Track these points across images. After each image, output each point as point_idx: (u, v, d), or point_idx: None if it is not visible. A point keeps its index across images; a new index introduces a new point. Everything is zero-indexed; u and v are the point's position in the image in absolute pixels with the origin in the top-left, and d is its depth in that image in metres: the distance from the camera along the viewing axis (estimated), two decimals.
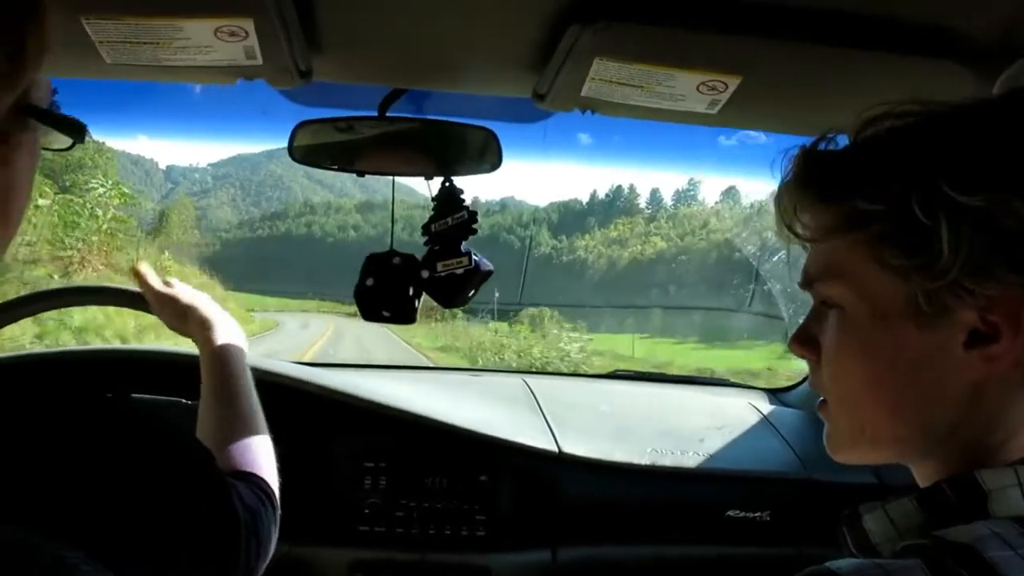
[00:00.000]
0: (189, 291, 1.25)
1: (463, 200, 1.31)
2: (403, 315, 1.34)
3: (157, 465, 0.69)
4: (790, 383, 2.18)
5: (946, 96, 0.64)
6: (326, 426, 1.63)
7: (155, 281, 1.26)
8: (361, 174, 1.36)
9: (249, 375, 1.12)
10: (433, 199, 1.32)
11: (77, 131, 0.65)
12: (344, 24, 1.03)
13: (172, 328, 1.24)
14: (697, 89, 1.04)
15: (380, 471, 1.59)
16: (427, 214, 1.33)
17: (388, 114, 1.30)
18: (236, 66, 1.05)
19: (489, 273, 1.32)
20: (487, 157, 1.32)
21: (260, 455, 0.98)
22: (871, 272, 0.62)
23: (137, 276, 1.28)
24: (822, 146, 0.68)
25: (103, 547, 0.61)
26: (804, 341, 0.71)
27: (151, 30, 0.96)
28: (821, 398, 0.72)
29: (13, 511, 0.57)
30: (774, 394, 2.16)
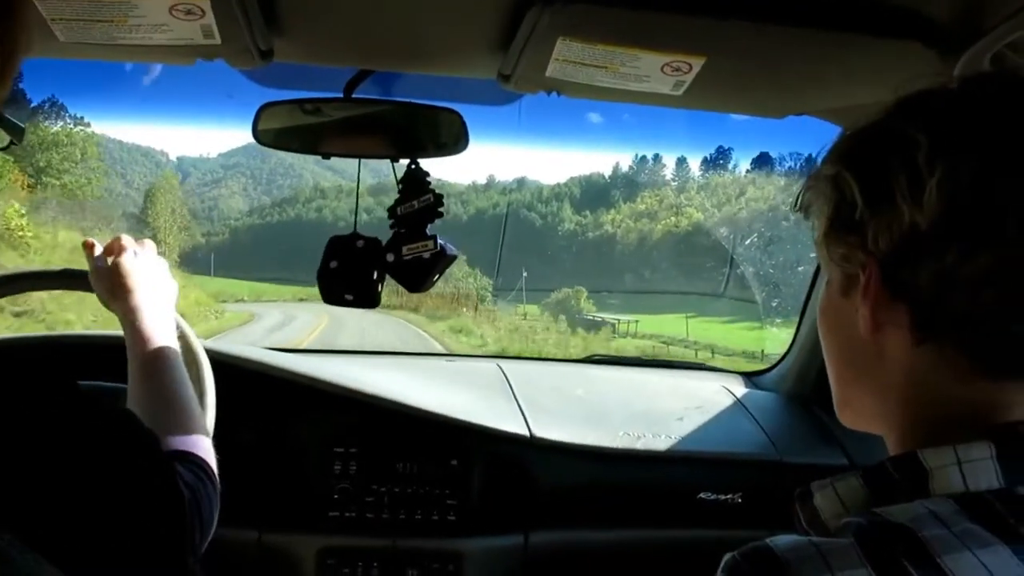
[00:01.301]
0: (130, 264, 1.13)
1: (429, 183, 1.30)
2: (366, 299, 1.32)
3: (103, 450, 0.69)
4: None
5: (911, 78, 0.64)
6: (294, 411, 1.61)
7: (97, 252, 1.17)
8: (327, 156, 1.34)
9: (176, 347, 1.06)
10: (399, 182, 1.31)
11: (18, 133, 0.66)
12: (303, 3, 1.01)
13: (103, 303, 1.14)
14: (661, 70, 1.04)
15: (350, 456, 1.58)
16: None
17: (354, 96, 1.28)
18: (193, 45, 1.03)
19: (454, 258, 1.31)
20: (454, 139, 1.30)
21: (193, 431, 0.95)
22: None
23: (86, 248, 1.18)
24: None
25: (45, 531, 0.60)
26: None
27: (104, 7, 0.94)
28: None
29: None
30: (749, 377, 2.16)
